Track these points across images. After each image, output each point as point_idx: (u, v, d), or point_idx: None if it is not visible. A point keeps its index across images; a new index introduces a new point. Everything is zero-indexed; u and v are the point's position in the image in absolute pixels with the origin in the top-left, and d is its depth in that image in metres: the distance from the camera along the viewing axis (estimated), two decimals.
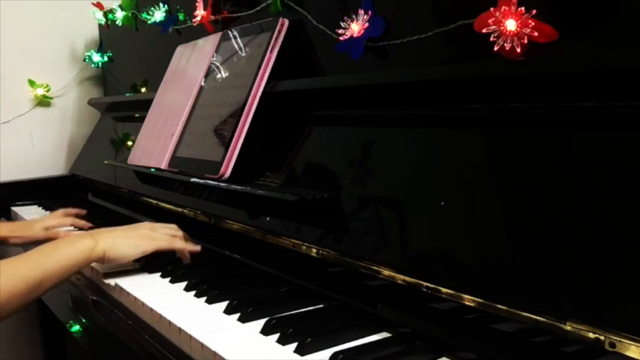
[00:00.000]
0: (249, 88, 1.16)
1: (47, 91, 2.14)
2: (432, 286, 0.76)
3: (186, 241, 1.17)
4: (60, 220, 1.52)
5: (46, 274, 0.98)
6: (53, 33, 2.14)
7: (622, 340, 0.57)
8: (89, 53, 2.15)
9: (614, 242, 0.61)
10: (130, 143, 1.74)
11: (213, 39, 1.39)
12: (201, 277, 1.06)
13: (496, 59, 0.78)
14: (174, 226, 1.19)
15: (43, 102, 2.14)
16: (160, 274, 1.13)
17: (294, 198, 0.95)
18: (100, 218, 1.69)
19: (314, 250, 0.95)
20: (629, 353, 0.57)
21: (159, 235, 1.13)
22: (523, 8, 0.74)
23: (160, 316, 0.91)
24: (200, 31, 1.48)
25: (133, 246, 1.10)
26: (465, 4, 0.85)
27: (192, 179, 1.22)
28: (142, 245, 1.10)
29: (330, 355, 0.74)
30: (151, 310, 0.94)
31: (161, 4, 1.70)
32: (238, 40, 1.29)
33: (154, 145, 1.45)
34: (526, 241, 0.69)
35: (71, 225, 1.53)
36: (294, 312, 0.90)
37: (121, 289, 1.06)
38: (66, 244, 1.05)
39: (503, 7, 0.76)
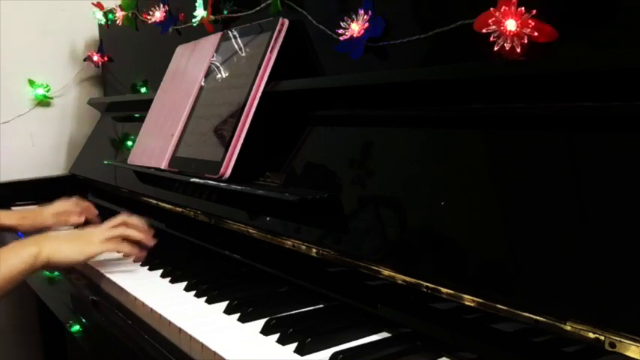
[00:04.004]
0: (249, 88, 1.16)
1: (47, 91, 2.14)
2: (432, 286, 0.76)
3: (140, 231, 1.18)
4: (70, 206, 1.52)
5: None
6: (53, 33, 2.13)
7: (622, 340, 0.57)
8: (89, 53, 2.15)
9: (614, 242, 0.61)
10: (130, 143, 1.73)
11: (213, 39, 1.39)
12: (201, 277, 1.06)
13: (496, 59, 0.78)
14: (121, 219, 1.19)
15: (43, 102, 2.14)
16: (160, 273, 1.13)
17: (294, 198, 0.95)
18: (100, 218, 1.69)
19: (314, 250, 0.95)
20: (629, 353, 0.57)
21: (103, 239, 1.13)
22: (523, 8, 0.74)
23: (160, 316, 0.91)
24: (200, 31, 1.48)
25: (78, 251, 1.10)
26: (465, 4, 0.85)
27: (193, 179, 1.22)
28: (87, 249, 1.11)
29: (330, 355, 0.74)
30: (151, 310, 0.94)
31: (161, 4, 1.70)
32: (238, 40, 1.29)
33: (154, 145, 1.45)
34: (526, 241, 0.69)
35: (80, 214, 1.53)
36: (294, 312, 0.90)
37: (121, 288, 1.06)
38: (8, 253, 1.04)
39: (503, 7, 0.76)
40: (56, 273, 1.33)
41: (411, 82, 0.89)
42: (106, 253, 1.16)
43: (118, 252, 1.17)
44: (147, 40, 1.83)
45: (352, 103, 1.03)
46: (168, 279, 1.09)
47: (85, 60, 2.17)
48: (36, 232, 1.49)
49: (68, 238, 1.13)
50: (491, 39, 0.77)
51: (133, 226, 1.19)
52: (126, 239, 1.17)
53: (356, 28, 1.00)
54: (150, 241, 1.19)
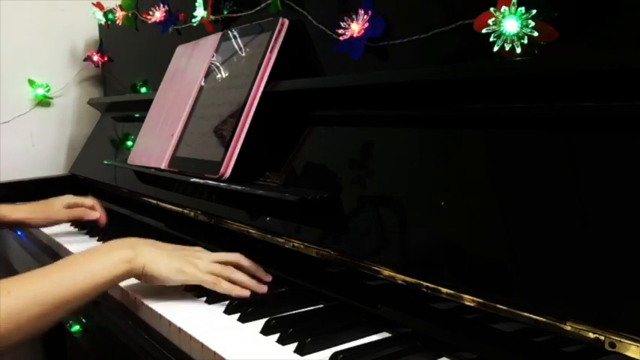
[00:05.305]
0: (249, 88, 1.16)
1: (47, 91, 2.14)
2: (432, 286, 0.76)
3: (251, 273, 0.99)
4: (80, 199, 1.50)
5: (68, 295, 0.82)
6: (53, 33, 2.13)
7: (622, 340, 0.57)
8: (89, 53, 2.15)
9: (614, 242, 0.61)
10: (130, 143, 1.73)
11: (213, 39, 1.39)
12: None
13: (496, 59, 0.78)
14: (235, 256, 1.00)
15: (43, 102, 2.14)
16: None
17: (294, 198, 0.95)
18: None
19: (314, 250, 0.95)
20: (629, 353, 0.57)
21: (206, 270, 0.94)
22: (523, 8, 0.74)
23: (160, 316, 0.91)
24: (200, 31, 1.48)
25: (175, 270, 0.92)
26: (465, 4, 0.85)
27: (193, 179, 1.22)
28: (185, 273, 0.93)
29: (330, 355, 0.74)
30: (151, 310, 0.94)
31: (161, 4, 1.70)
32: (238, 40, 1.29)
33: (154, 145, 1.45)
34: (526, 241, 0.69)
35: (93, 207, 1.50)
36: (294, 312, 0.90)
37: (121, 289, 1.06)
38: (97, 255, 0.89)
39: (503, 7, 0.76)
40: None
41: (411, 82, 0.89)
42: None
43: (215, 289, 0.94)
44: (147, 40, 1.83)
45: (352, 103, 1.03)
46: None
47: (84, 60, 2.17)
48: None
49: (168, 251, 0.95)
50: (491, 39, 0.77)
51: (245, 269, 0.99)
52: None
53: (356, 28, 1.00)
54: (259, 289, 0.96)
